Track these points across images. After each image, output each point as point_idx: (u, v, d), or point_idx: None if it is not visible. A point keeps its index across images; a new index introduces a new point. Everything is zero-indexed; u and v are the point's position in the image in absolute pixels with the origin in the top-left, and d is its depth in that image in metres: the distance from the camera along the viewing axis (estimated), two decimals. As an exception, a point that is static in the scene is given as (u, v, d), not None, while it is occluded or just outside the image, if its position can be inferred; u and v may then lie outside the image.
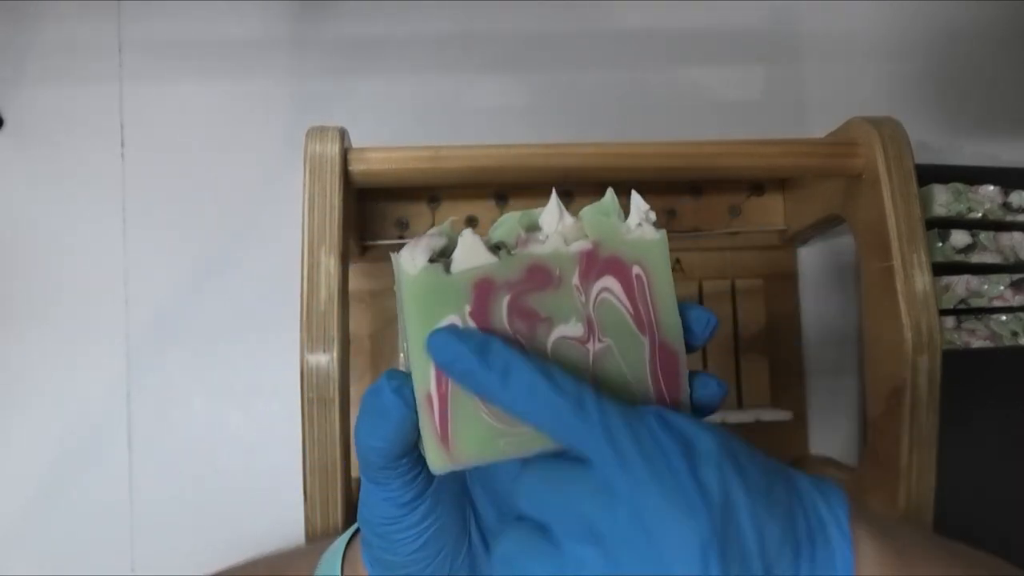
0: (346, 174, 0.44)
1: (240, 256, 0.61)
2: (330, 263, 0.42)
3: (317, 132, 0.44)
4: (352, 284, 0.51)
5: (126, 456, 0.59)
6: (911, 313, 0.44)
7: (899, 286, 0.45)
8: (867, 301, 0.48)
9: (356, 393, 0.39)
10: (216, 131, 0.62)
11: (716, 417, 0.56)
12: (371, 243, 0.56)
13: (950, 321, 0.49)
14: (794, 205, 0.59)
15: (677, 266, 0.59)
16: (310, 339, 0.41)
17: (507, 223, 0.30)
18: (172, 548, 0.59)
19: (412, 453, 0.29)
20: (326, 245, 0.42)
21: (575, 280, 0.29)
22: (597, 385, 0.28)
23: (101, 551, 0.58)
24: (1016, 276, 0.49)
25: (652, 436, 0.25)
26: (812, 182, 0.55)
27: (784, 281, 0.63)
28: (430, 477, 0.30)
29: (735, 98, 0.66)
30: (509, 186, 0.56)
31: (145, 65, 0.62)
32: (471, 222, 0.57)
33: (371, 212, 0.57)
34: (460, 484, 0.33)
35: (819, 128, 0.53)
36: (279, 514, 0.58)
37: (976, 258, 0.49)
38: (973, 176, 0.50)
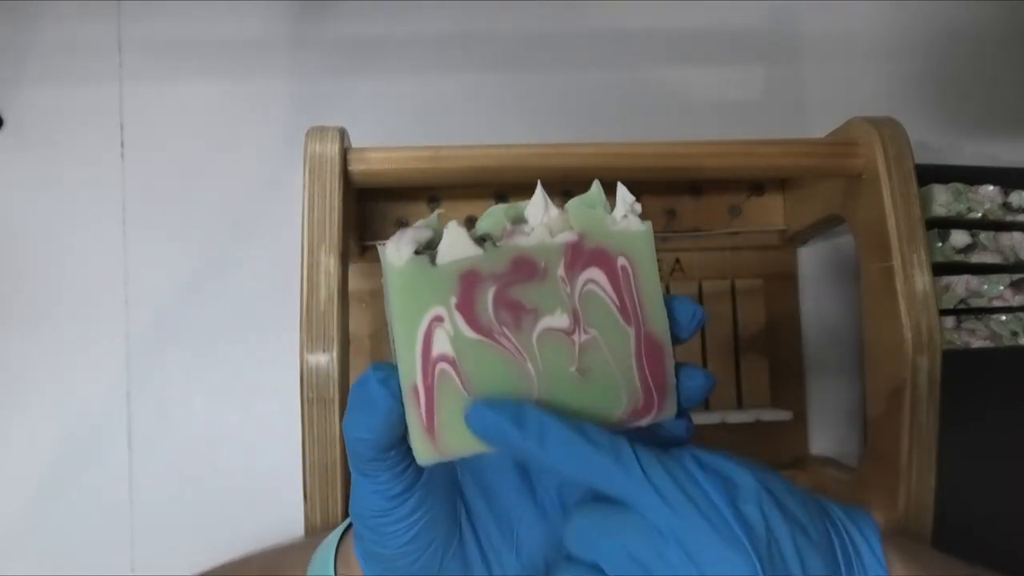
0: (346, 174, 0.44)
1: (240, 256, 0.61)
2: (330, 263, 0.42)
3: (317, 132, 0.44)
4: (352, 284, 0.51)
5: (126, 456, 0.59)
6: (911, 313, 0.44)
7: (899, 286, 0.45)
8: (867, 301, 0.48)
9: (356, 393, 0.39)
10: (216, 131, 0.62)
11: (716, 417, 0.56)
12: (371, 243, 0.56)
13: (950, 321, 0.48)
14: (794, 205, 0.59)
15: (677, 266, 0.59)
16: (310, 339, 0.41)
17: (493, 215, 0.30)
18: (172, 548, 0.59)
19: (400, 445, 0.29)
20: (326, 245, 0.42)
21: (560, 272, 0.29)
22: (586, 379, 0.29)
23: (101, 551, 0.58)
24: (1016, 276, 0.49)
25: (691, 478, 0.27)
26: (812, 182, 0.55)
27: (784, 281, 0.63)
28: (420, 470, 0.30)
29: (735, 98, 0.66)
30: (509, 186, 0.56)
31: (145, 65, 0.62)
32: (471, 222, 0.57)
33: (371, 212, 0.57)
34: (451, 477, 0.33)
35: (819, 128, 0.53)
36: (279, 514, 0.58)
37: (976, 258, 0.49)
38: (973, 176, 0.50)
